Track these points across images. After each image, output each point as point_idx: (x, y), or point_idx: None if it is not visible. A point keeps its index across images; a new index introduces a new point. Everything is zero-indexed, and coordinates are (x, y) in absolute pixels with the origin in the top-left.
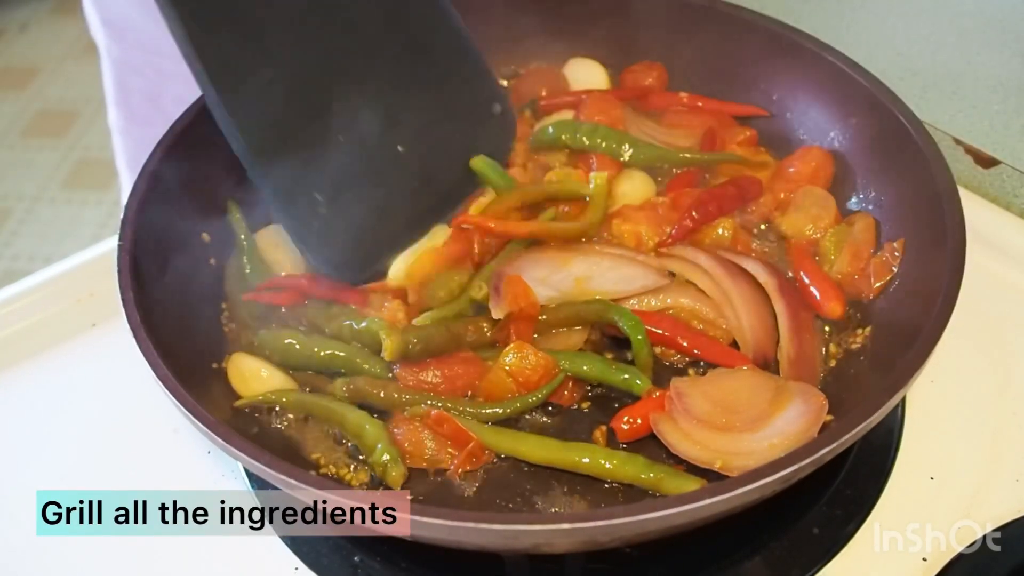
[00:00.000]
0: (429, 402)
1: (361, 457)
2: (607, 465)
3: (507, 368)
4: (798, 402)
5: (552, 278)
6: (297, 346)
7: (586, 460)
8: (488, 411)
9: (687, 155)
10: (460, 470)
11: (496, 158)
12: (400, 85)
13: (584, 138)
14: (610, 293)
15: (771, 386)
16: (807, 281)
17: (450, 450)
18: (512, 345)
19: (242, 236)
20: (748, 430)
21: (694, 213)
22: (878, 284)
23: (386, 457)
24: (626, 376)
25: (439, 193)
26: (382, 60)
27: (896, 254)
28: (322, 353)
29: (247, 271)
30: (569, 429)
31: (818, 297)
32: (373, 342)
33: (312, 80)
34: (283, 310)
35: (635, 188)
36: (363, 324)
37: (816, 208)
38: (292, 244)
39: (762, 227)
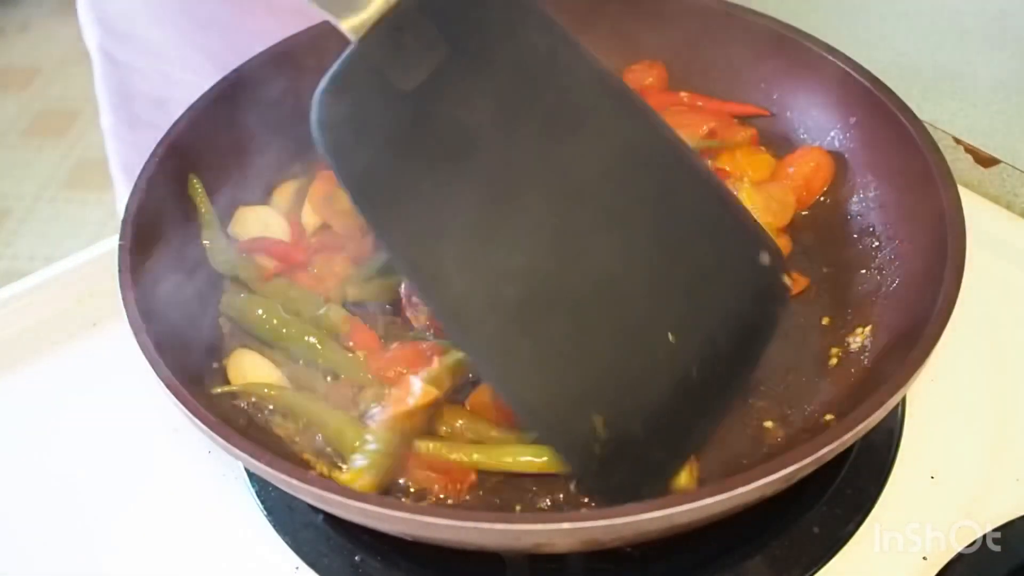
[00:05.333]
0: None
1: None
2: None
3: None
4: None
5: None
6: (275, 320)
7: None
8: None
9: None
10: (443, 495)
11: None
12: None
13: None
14: None
15: None
16: None
17: (429, 473)
18: None
19: (203, 209)
20: None
21: None
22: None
23: (361, 463)
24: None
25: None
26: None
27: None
28: (284, 330)
29: (206, 245)
30: None
31: None
32: (330, 328)
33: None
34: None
35: None
36: (322, 311)
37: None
38: (281, 225)
39: None
